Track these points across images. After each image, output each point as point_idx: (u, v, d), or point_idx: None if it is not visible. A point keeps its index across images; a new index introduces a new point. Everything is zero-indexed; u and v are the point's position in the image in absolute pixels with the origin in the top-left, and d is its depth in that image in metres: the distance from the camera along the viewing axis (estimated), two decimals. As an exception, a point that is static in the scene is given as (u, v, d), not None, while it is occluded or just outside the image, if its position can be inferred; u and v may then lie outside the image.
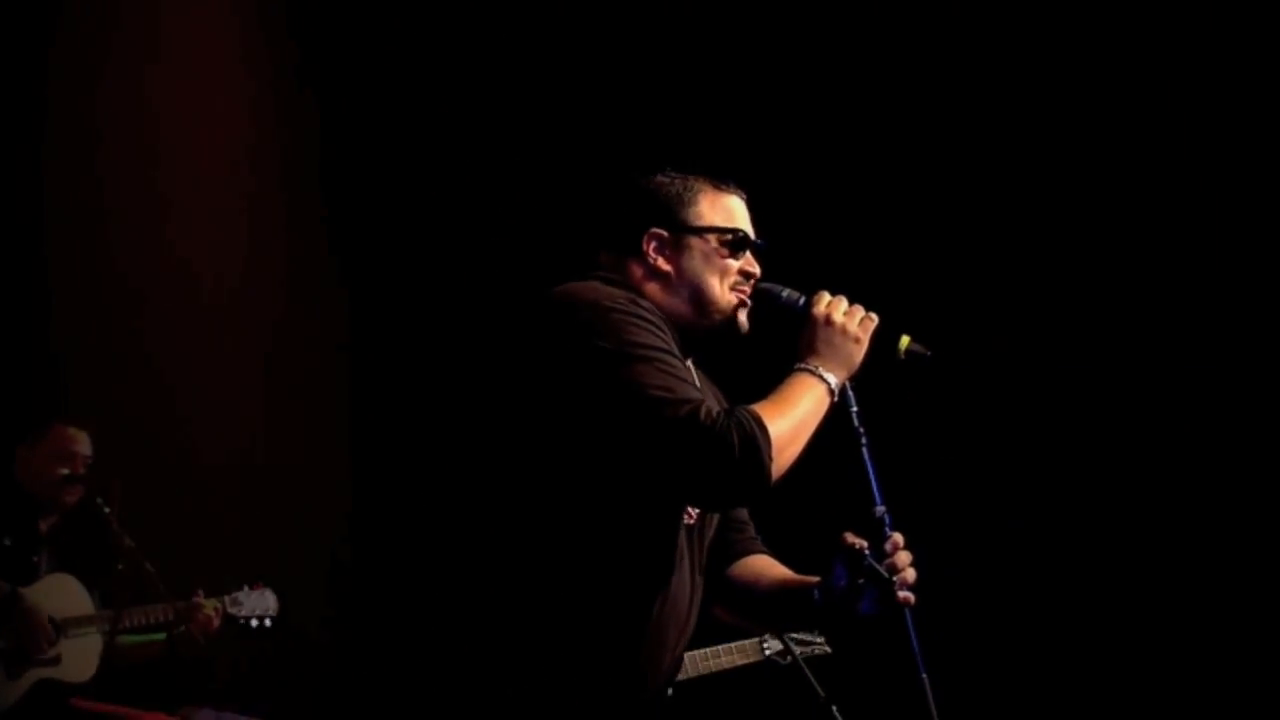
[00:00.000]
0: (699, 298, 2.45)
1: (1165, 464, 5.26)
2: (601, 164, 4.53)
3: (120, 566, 4.40)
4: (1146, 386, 5.36)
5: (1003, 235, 5.49)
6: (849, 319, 2.43)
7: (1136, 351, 5.35)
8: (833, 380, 2.37)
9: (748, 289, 2.49)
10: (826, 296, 2.48)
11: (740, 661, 3.92)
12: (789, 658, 3.79)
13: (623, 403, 2.18)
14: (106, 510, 4.42)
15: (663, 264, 2.46)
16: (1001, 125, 5.50)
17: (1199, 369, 5.26)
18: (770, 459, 2.18)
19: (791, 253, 2.74)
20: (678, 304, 2.44)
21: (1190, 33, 5.24)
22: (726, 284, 2.47)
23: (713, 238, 2.48)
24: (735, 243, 2.49)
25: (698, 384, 2.41)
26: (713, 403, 2.25)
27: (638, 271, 2.46)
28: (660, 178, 2.54)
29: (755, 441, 2.17)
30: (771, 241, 2.59)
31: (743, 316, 2.48)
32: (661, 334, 2.28)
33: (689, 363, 2.43)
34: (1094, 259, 5.42)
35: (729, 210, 2.52)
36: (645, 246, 2.47)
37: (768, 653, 3.92)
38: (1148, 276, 5.36)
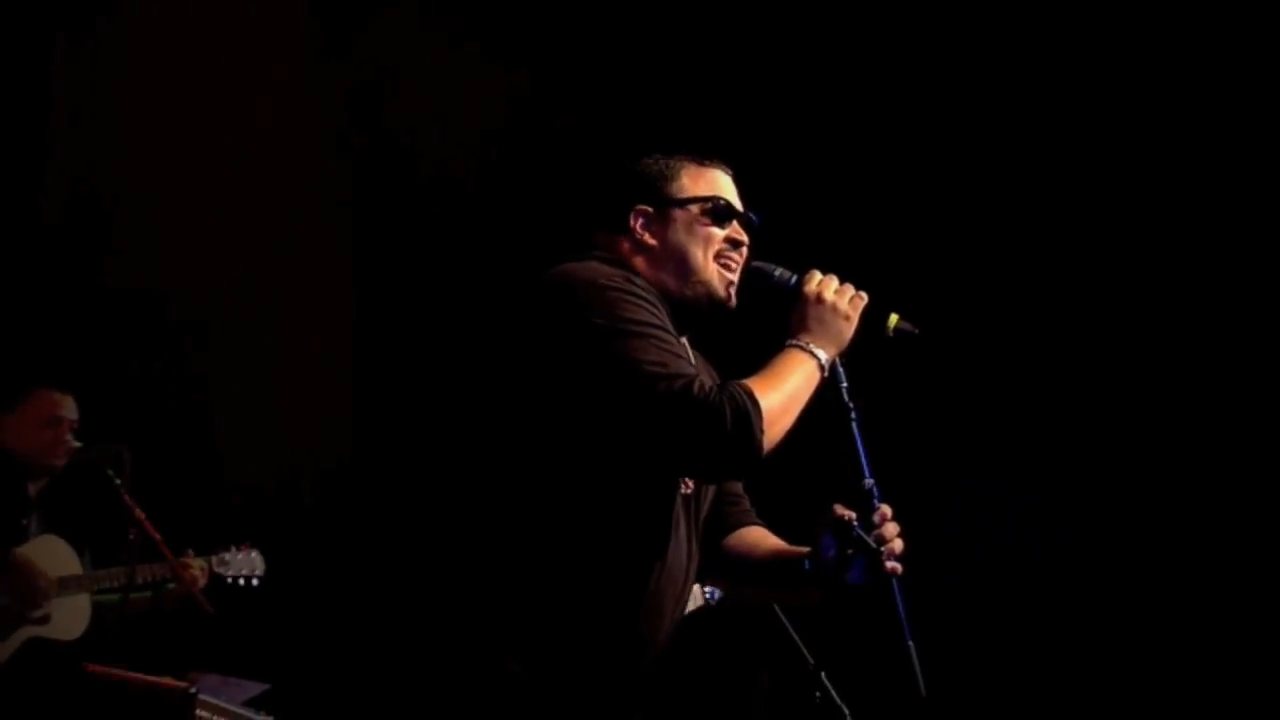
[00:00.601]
0: (683, 266, 2.49)
1: (1147, 437, 5.32)
2: (597, 150, 4.60)
3: (132, 536, 4.44)
4: (1130, 363, 5.42)
5: (991, 216, 5.54)
6: (839, 297, 2.47)
7: (1122, 329, 5.40)
8: (823, 356, 2.42)
9: (735, 256, 2.53)
10: (818, 275, 2.52)
11: (690, 608, 3.98)
12: (715, 598, 3.87)
13: (618, 377, 2.22)
14: (118, 482, 4.46)
15: (649, 238, 2.51)
16: (987, 109, 5.54)
17: (1182, 351, 5.31)
18: (761, 432, 2.22)
19: (784, 232, 2.78)
20: (664, 276, 2.48)
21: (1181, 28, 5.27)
22: (711, 252, 2.51)
23: (695, 207, 2.53)
24: (718, 211, 2.53)
25: (692, 360, 2.45)
26: (706, 377, 2.29)
27: (627, 248, 2.51)
28: (645, 159, 2.60)
29: (747, 415, 2.21)
30: (763, 221, 2.63)
31: (726, 289, 2.51)
32: (656, 310, 2.33)
33: (684, 340, 2.47)
34: (1081, 240, 5.47)
35: (712, 182, 2.57)
36: (632, 223, 2.52)
37: (707, 597, 3.98)
38: (1135, 256, 5.41)
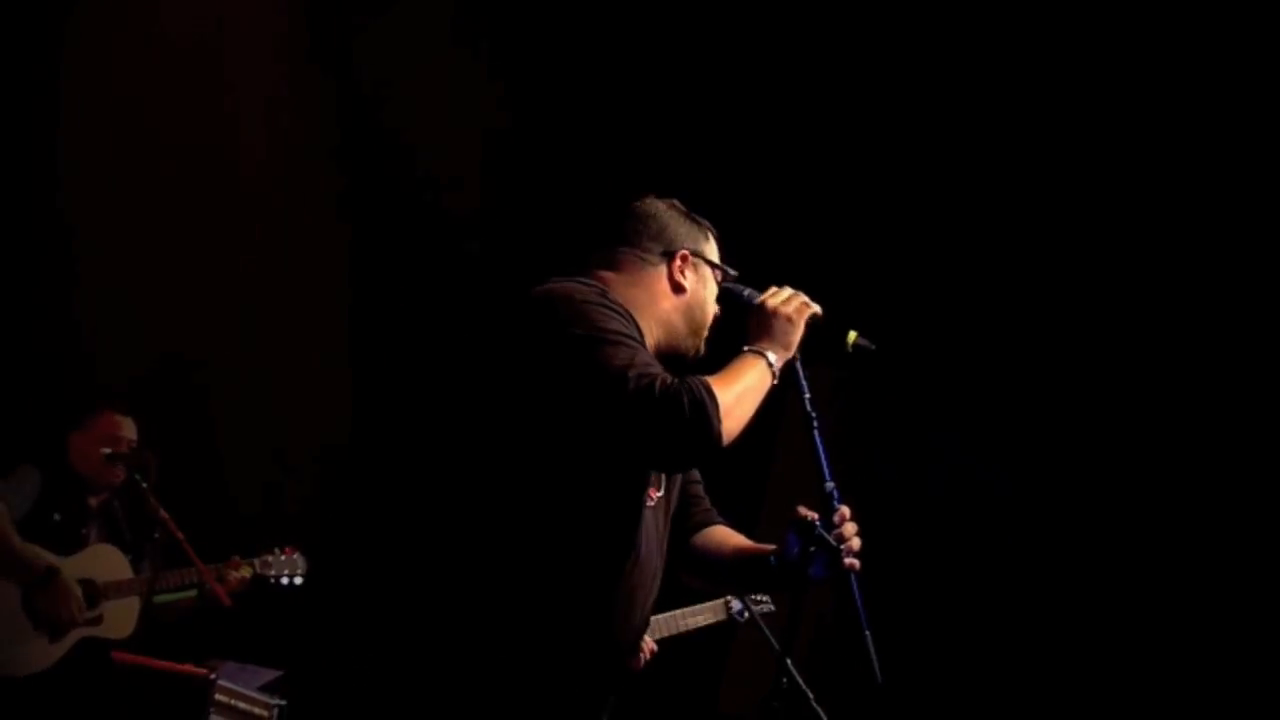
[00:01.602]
0: (700, 320, 2.69)
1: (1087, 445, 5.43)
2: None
3: (156, 535, 4.60)
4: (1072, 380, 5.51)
5: (947, 241, 5.66)
6: (786, 305, 2.62)
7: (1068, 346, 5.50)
8: (772, 357, 2.55)
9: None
10: (773, 289, 2.66)
11: (710, 620, 4.08)
12: (746, 615, 3.96)
13: (593, 377, 2.35)
14: (144, 485, 4.62)
15: (687, 282, 2.67)
16: (940, 133, 5.62)
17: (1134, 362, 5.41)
18: (719, 420, 2.35)
19: (760, 256, 2.92)
20: (678, 319, 2.66)
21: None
22: (709, 314, 2.70)
23: (718, 274, 2.73)
24: (718, 282, 2.72)
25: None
26: (668, 375, 2.40)
27: (660, 280, 2.66)
28: (679, 205, 2.75)
29: (703, 404, 2.33)
30: (746, 241, 2.81)
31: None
32: (626, 321, 2.47)
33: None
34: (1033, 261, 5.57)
35: (716, 254, 2.75)
36: (676, 261, 2.67)
37: (732, 612, 4.07)
38: (1082, 279, 5.49)
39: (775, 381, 2.54)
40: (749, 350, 2.56)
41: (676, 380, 2.35)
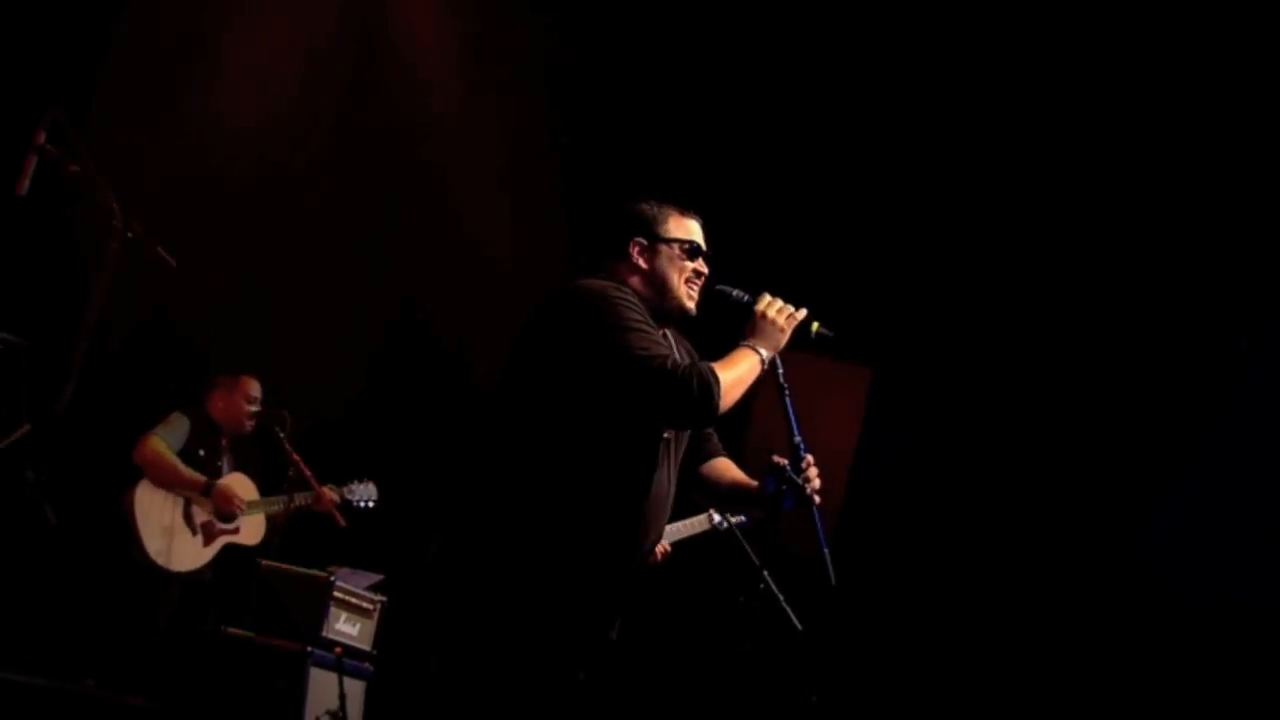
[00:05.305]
0: (664, 288, 3.04)
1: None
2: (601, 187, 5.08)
3: (290, 472, 5.23)
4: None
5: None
6: (779, 315, 3.03)
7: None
8: (764, 353, 2.98)
9: (698, 283, 3.11)
10: (767, 298, 3.06)
11: (699, 530, 4.52)
12: (726, 526, 4.40)
13: (619, 358, 2.75)
14: (281, 435, 5.26)
15: (642, 263, 3.05)
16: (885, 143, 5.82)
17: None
18: (719, 396, 2.80)
19: (741, 257, 3.31)
20: (648, 291, 3.01)
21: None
22: (682, 278, 3.06)
23: (676, 246, 3.07)
24: (691, 251, 3.09)
25: (672, 345, 3.02)
26: (682, 355, 2.81)
27: (624, 269, 3.04)
28: (642, 204, 3.14)
29: (709, 383, 2.78)
30: (727, 248, 3.18)
31: (691, 304, 3.09)
32: (641, 311, 2.89)
33: (666, 332, 3.05)
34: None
35: (688, 228, 3.12)
36: (631, 250, 3.06)
37: (714, 523, 4.52)
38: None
39: (763, 371, 2.96)
40: (746, 346, 2.95)
41: (687, 364, 2.79)
